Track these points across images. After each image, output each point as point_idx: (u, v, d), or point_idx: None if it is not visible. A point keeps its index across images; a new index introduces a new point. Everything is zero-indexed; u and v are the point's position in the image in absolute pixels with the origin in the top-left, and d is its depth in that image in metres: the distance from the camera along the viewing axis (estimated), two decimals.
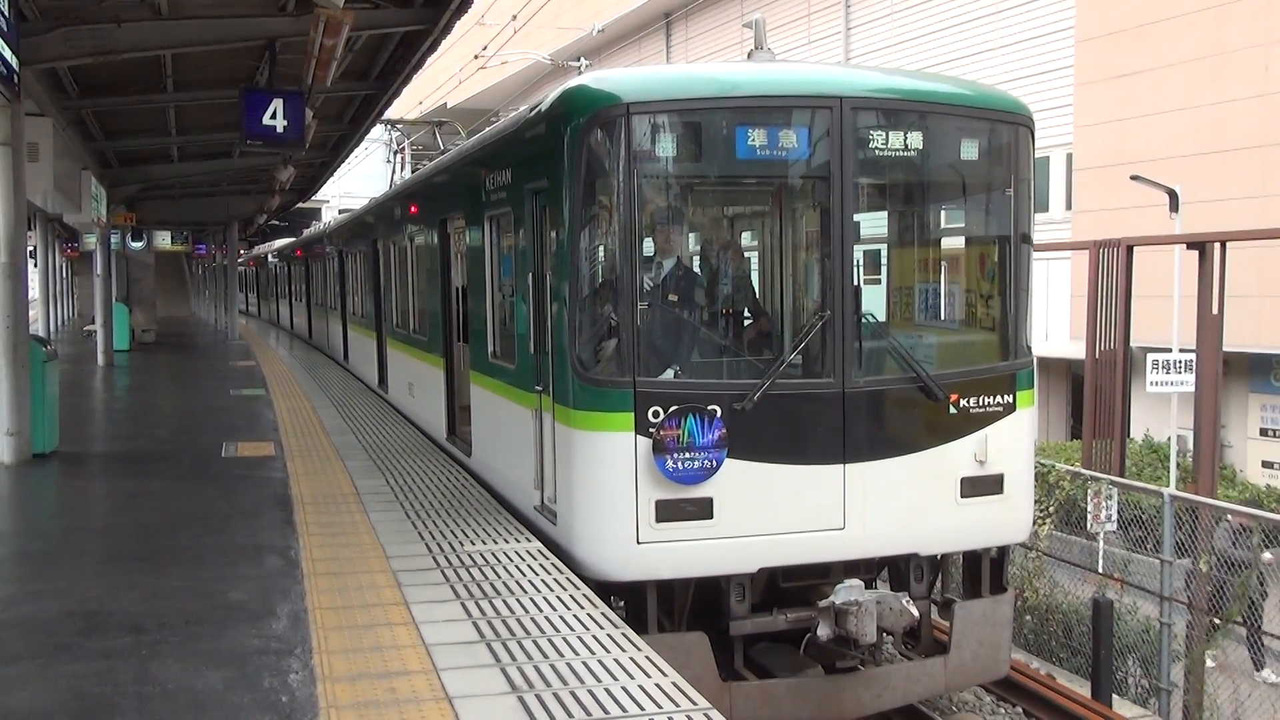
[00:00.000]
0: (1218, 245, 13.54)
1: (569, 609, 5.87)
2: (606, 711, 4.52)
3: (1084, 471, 13.04)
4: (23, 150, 10.28)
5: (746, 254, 9.08)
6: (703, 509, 6.76)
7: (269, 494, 8.89)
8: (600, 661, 5.10)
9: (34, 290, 28.20)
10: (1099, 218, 20.53)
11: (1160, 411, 18.24)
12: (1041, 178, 22.25)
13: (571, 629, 5.55)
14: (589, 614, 5.79)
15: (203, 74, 14.01)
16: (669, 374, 7.04)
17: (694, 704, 4.61)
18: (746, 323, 8.48)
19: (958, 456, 7.31)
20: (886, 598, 6.91)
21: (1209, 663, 10.62)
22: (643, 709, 4.55)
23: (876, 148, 7.16)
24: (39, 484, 9.79)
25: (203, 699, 4.68)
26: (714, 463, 6.69)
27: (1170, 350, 15.22)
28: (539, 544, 7.25)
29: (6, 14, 8.46)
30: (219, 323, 35.61)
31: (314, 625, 5.59)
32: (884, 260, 8.75)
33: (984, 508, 7.40)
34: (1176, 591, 10.48)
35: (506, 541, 7.30)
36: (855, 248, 7.19)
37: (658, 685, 4.82)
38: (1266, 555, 10.87)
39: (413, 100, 38.60)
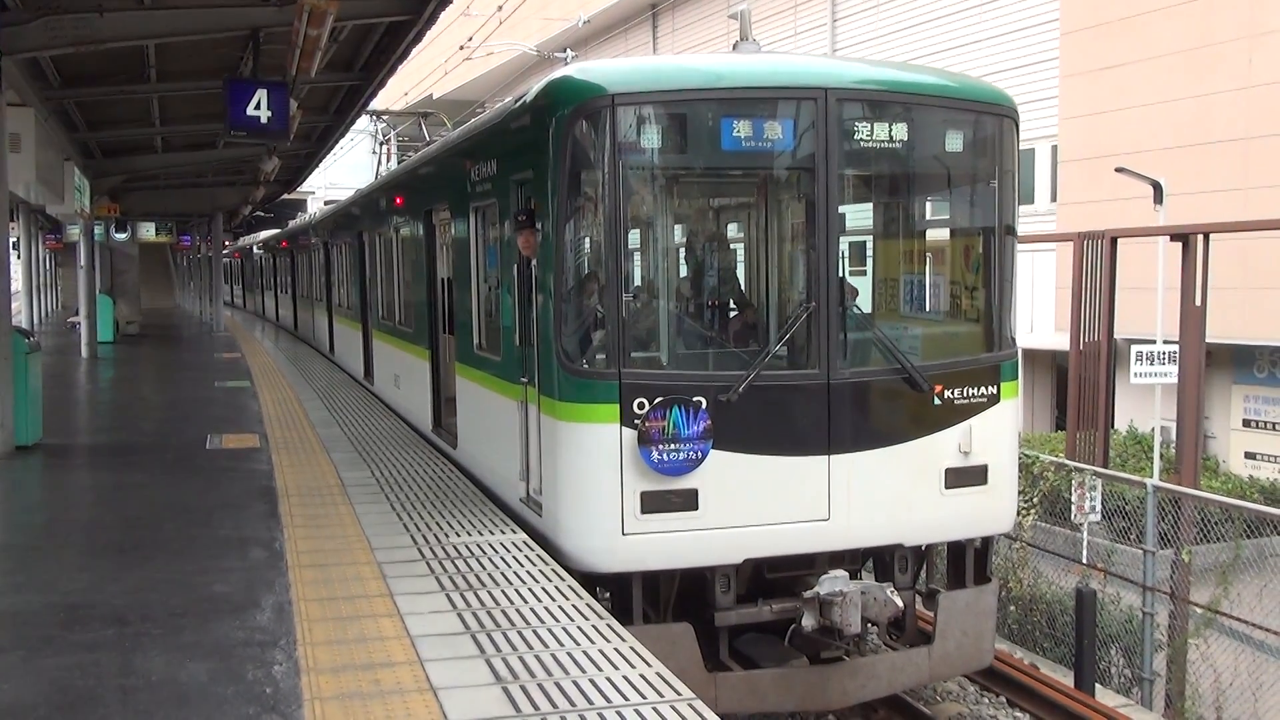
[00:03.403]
0: (1201, 237, 13.60)
1: (554, 600, 5.88)
2: (591, 702, 4.53)
3: (1068, 462, 13.09)
4: (4, 141, 10.21)
5: (732, 245, 9.09)
6: (688, 500, 6.77)
7: (254, 486, 8.86)
8: (585, 652, 5.11)
9: (17, 282, 28.03)
10: (1084, 209, 20.61)
11: (1144, 403, 18.33)
12: (1026, 170, 22.30)
13: (557, 620, 5.56)
14: (574, 605, 5.80)
15: (186, 64, 13.92)
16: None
17: (679, 694, 4.62)
18: (732, 314, 8.49)
19: (942, 447, 7.34)
20: (871, 588, 6.93)
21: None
22: (628, 699, 4.56)
23: (861, 139, 7.17)
24: (22, 476, 9.74)
25: (186, 691, 4.67)
26: (699, 454, 6.71)
27: (1154, 342, 15.28)
28: (525, 535, 7.25)
29: None
30: (204, 315, 35.46)
31: (298, 617, 5.58)
32: (869, 252, 8.76)
33: (968, 498, 7.43)
34: (1159, 582, 10.55)
35: (492, 533, 7.30)
36: (840, 239, 7.20)
37: (643, 676, 4.83)
38: None
39: (398, 91, 38.50)
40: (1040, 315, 22.25)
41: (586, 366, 6.86)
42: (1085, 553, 12.53)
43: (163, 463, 10.19)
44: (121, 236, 28.68)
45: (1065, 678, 9.80)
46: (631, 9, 38.01)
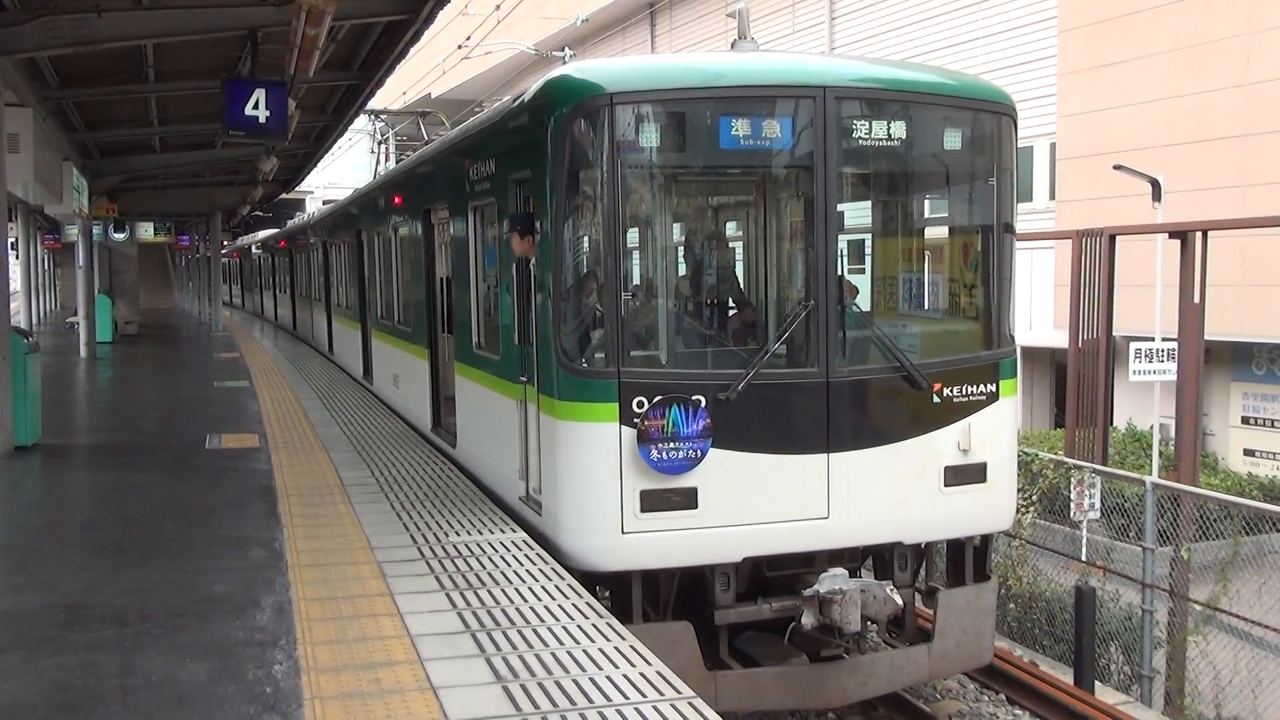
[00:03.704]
0: (1199, 234, 13.60)
1: (554, 599, 5.88)
2: (591, 701, 4.54)
3: (1067, 460, 13.10)
4: (3, 141, 10.21)
5: (731, 244, 9.09)
6: (687, 499, 6.77)
7: (253, 486, 8.86)
8: (585, 651, 5.11)
9: (15, 282, 28.03)
10: (1082, 207, 20.61)
11: (1143, 400, 18.34)
12: (1025, 167, 22.33)
13: (557, 619, 5.56)
14: (574, 604, 5.80)
15: (184, 64, 13.91)
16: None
17: (679, 693, 4.62)
18: (731, 313, 8.49)
19: (941, 445, 7.34)
20: (870, 586, 6.94)
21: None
22: (628, 698, 4.57)
23: (860, 137, 7.17)
24: (21, 476, 9.74)
25: (187, 691, 4.67)
26: (698, 452, 6.71)
27: (1153, 339, 15.29)
28: (524, 534, 7.25)
29: None
30: (202, 314, 35.45)
31: (298, 617, 5.59)
32: (868, 250, 8.77)
33: (967, 496, 7.43)
34: (1159, 579, 10.55)
35: (492, 532, 7.30)
36: (839, 237, 7.21)
37: (643, 674, 4.83)
38: None
39: (396, 90, 38.46)
40: (1039, 313, 22.26)
41: (586, 365, 6.86)
42: (1084, 550, 12.53)
43: (162, 463, 10.19)
44: (120, 236, 28.70)
45: (1065, 675, 9.80)
46: (629, 8, 38.00)
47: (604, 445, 6.71)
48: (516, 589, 6.05)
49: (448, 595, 5.94)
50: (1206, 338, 14.08)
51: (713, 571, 6.97)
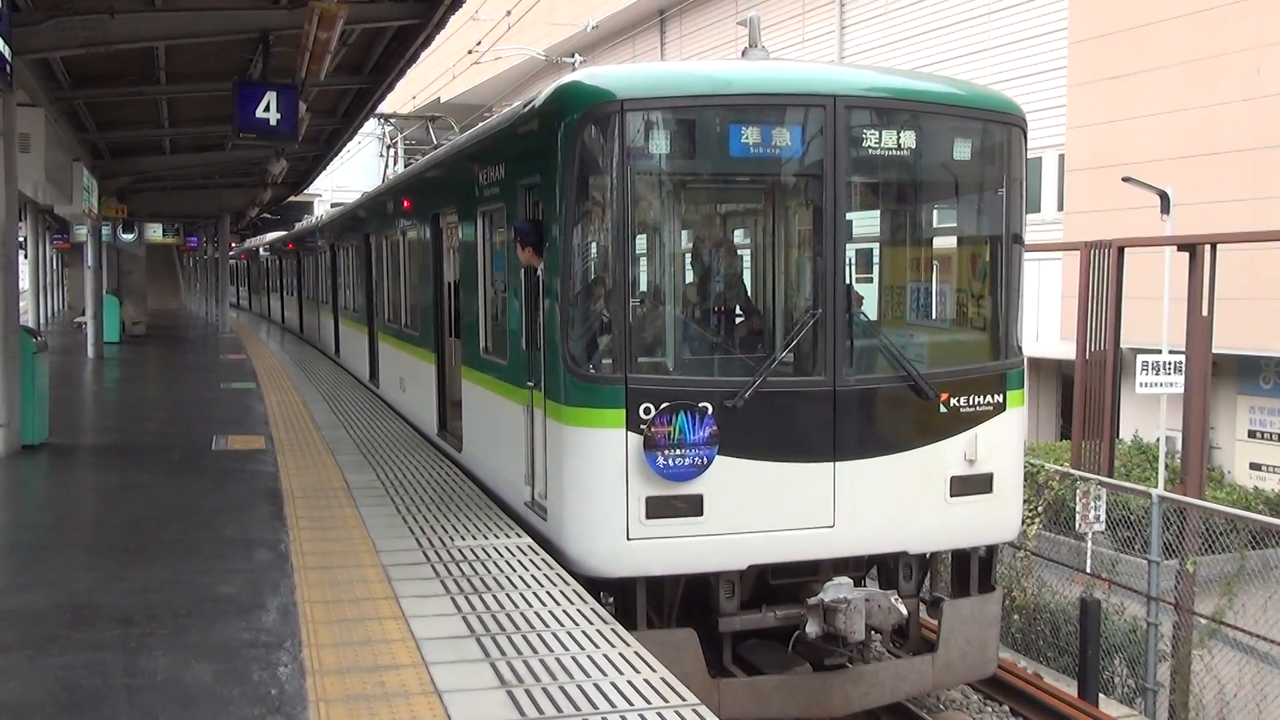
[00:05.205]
0: (1208, 247, 13.59)
1: (559, 604, 5.88)
2: (595, 707, 4.54)
3: (1073, 472, 13.07)
4: (14, 141, 10.26)
5: (739, 252, 9.09)
6: (693, 506, 6.77)
7: (259, 487, 8.87)
8: (589, 657, 5.11)
9: (24, 281, 28.07)
10: (1090, 219, 20.59)
11: (1149, 412, 18.31)
12: (1034, 178, 22.27)
13: (561, 624, 5.56)
14: (579, 610, 5.80)
15: (196, 66, 13.98)
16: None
17: (683, 700, 4.62)
18: (738, 320, 8.49)
19: (947, 455, 7.33)
20: (875, 595, 6.93)
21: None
22: (631, 704, 4.56)
23: (869, 146, 7.17)
24: (28, 475, 9.76)
25: (192, 691, 4.68)
26: (705, 460, 6.71)
27: (1160, 352, 15.27)
28: (529, 540, 7.26)
29: None
30: (210, 316, 35.51)
31: (303, 619, 5.59)
32: (876, 259, 8.77)
33: (973, 507, 7.42)
34: (1164, 592, 10.53)
35: (497, 537, 7.31)
36: (847, 246, 7.21)
37: (647, 681, 4.83)
38: None
39: (406, 95, 38.49)
40: (1046, 324, 22.23)
41: (593, 371, 6.87)
42: (1089, 562, 12.51)
43: (168, 463, 10.21)
44: (128, 237, 28.74)
45: (1069, 687, 9.79)
46: (639, 14, 38.06)
47: (610, 451, 6.71)
48: (521, 594, 6.05)
49: (453, 599, 5.94)
50: (1214, 351, 14.05)
51: (717, 579, 6.97)
